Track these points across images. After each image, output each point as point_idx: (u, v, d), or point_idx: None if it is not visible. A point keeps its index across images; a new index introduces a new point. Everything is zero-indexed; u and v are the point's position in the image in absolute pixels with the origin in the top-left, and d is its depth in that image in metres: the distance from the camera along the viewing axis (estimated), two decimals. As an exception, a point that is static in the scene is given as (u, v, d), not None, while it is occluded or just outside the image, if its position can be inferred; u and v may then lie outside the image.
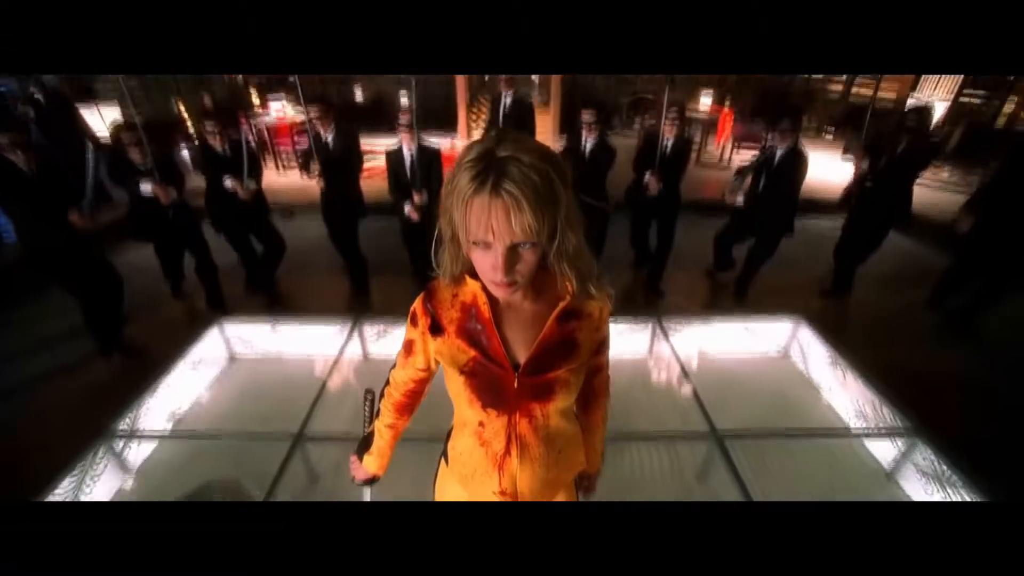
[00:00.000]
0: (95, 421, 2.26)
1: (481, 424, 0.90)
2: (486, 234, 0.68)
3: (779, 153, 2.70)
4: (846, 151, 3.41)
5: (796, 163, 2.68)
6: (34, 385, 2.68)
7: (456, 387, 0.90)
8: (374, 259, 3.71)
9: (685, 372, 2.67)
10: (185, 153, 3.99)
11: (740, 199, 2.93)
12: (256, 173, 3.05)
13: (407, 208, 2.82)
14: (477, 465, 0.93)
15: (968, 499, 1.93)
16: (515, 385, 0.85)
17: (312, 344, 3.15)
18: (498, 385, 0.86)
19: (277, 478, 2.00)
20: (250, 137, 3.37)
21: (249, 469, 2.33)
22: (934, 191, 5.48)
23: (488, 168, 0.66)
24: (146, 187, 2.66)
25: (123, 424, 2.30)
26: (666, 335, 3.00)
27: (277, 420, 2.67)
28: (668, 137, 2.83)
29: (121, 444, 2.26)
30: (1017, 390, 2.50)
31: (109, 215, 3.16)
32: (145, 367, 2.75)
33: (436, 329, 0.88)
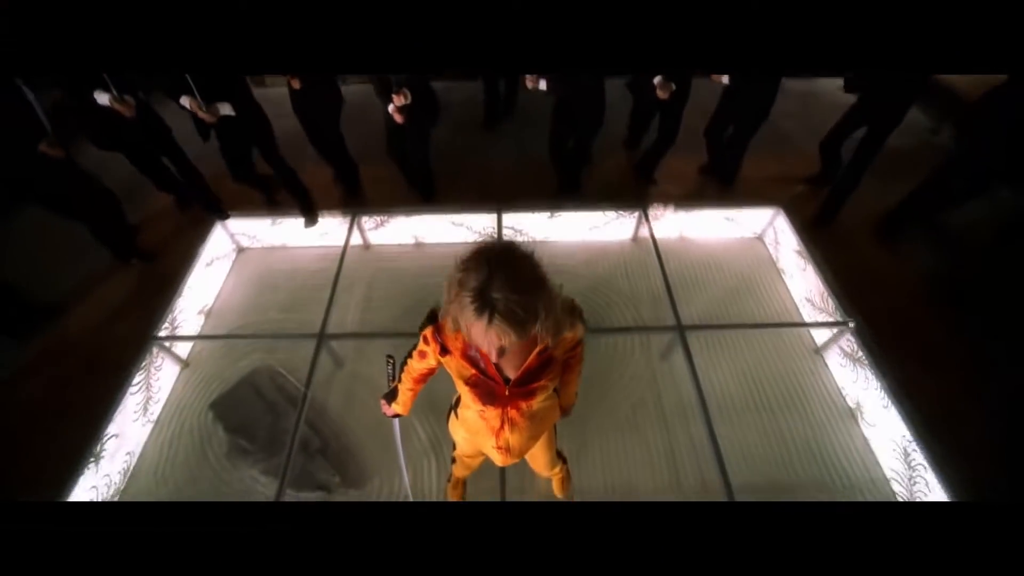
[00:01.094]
0: (142, 324, 2.58)
1: (481, 411, 1.18)
2: (482, 344, 0.88)
3: None
4: None
5: None
6: (75, 301, 2.90)
7: (461, 389, 1.16)
8: (354, 146, 3.51)
9: (662, 263, 2.91)
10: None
11: (726, 77, 2.73)
12: (233, 94, 2.52)
13: (391, 108, 2.57)
14: (480, 429, 1.26)
15: (870, 375, 2.41)
16: (506, 393, 1.11)
17: (313, 235, 3.30)
18: (493, 393, 1.12)
19: (311, 375, 2.40)
20: None
21: (280, 356, 2.77)
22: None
23: (483, 305, 0.85)
24: (102, 98, 2.33)
25: (165, 325, 2.63)
26: (650, 224, 3.15)
27: (294, 308, 3.03)
28: None
29: (169, 343, 2.62)
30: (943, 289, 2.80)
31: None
32: (164, 271, 2.96)
33: (443, 351, 1.10)
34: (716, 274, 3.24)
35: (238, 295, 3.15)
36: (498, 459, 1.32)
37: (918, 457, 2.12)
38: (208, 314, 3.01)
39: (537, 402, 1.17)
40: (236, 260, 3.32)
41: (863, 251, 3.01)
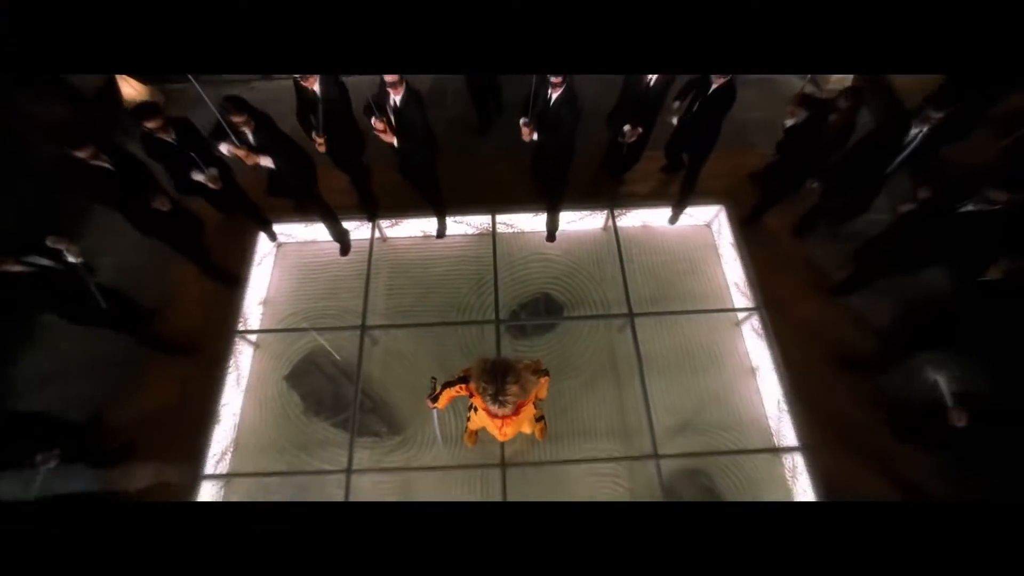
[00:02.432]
0: (224, 318, 3.39)
1: (489, 418, 2.07)
2: (493, 411, 1.71)
3: (715, 85, 2.94)
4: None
5: (725, 98, 2.94)
6: (165, 303, 3.65)
7: (478, 408, 2.02)
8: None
9: (621, 258, 3.66)
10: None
11: (675, 119, 3.25)
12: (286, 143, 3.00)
13: (372, 120, 2.89)
14: (487, 423, 2.16)
15: (765, 345, 3.31)
16: (503, 416, 1.98)
17: (339, 233, 3.97)
18: (496, 415, 1.98)
19: (360, 359, 3.27)
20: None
21: (328, 337, 3.60)
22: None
23: (495, 402, 1.68)
24: (199, 177, 2.90)
25: (240, 319, 3.43)
26: (614, 222, 3.86)
27: (332, 296, 3.82)
28: (652, 75, 2.96)
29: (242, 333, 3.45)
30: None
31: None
32: (227, 270, 3.67)
33: (471, 395, 1.95)
34: (669, 258, 4.01)
35: (285, 286, 3.91)
36: (499, 439, 2.25)
37: (783, 404, 3.12)
38: (265, 303, 3.80)
39: (522, 415, 2.06)
40: (277, 255, 4.03)
41: (782, 246, 3.77)
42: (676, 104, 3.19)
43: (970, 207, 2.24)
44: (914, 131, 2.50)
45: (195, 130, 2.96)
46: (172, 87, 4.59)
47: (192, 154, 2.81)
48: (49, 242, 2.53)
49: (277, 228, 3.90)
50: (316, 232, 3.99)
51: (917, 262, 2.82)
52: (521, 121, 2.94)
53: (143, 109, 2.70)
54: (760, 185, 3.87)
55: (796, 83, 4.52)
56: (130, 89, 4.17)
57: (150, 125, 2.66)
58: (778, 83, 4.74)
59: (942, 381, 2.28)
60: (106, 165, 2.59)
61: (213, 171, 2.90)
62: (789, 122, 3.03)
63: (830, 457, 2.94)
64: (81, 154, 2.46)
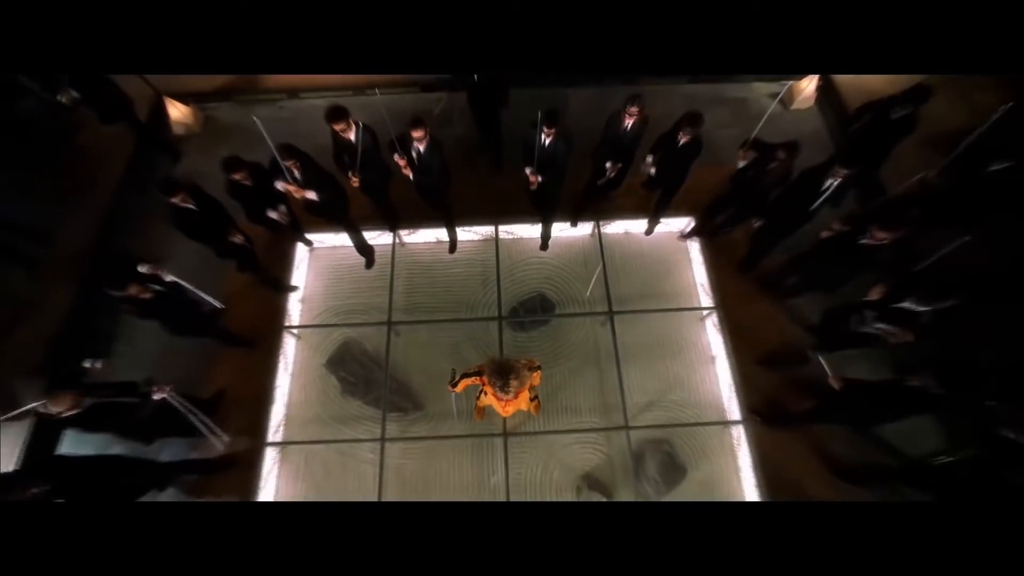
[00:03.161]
0: (274, 315, 4.07)
1: (495, 400, 2.77)
2: (500, 397, 2.41)
3: (682, 140, 3.46)
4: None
5: (692, 150, 3.49)
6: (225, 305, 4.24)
7: (487, 392, 2.72)
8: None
9: (604, 265, 4.32)
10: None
11: (652, 170, 3.85)
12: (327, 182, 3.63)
13: (395, 156, 3.55)
14: (494, 403, 2.85)
15: (721, 337, 4.03)
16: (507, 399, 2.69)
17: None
18: (501, 399, 2.68)
19: (388, 349, 3.97)
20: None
21: (358, 329, 4.29)
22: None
23: (502, 391, 2.38)
24: (273, 215, 3.54)
25: (287, 316, 4.12)
26: (600, 232, 4.51)
27: (359, 294, 4.49)
28: (628, 122, 3.53)
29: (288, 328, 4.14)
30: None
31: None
32: (272, 274, 4.32)
33: (483, 383, 2.65)
34: (647, 261, 4.67)
35: (319, 285, 4.57)
36: (502, 414, 2.97)
37: (734, 387, 3.85)
38: (303, 300, 4.48)
39: (520, 398, 2.77)
40: (311, 258, 4.68)
41: (739, 256, 4.44)
42: (649, 158, 3.77)
43: (864, 241, 2.90)
44: (828, 182, 3.13)
45: (267, 173, 3.52)
46: (209, 106, 5.13)
47: (266, 194, 3.45)
48: (141, 268, 3.14)
49: (310, 235, 4.54)
50: (344, 239, 4.61)
51: (833, 278, 3.51)
52: (527, 171, 3.57)
53: (231, 163, 3.25)
54: (710, 216, 4.45)
55: (767, 103, 5.03)
56: (176, 111, 4.72)
57: (237, 176, 3.26)
58: (749, 103, 5.29)
59: (822, 359, 3.15)
60: (192, 207, 3.21)
61: (283, 208, 3.54)
62: (741, 164, 3.64)
63: (765, 429, 3.69)
64: (174, 200, 3.08)
